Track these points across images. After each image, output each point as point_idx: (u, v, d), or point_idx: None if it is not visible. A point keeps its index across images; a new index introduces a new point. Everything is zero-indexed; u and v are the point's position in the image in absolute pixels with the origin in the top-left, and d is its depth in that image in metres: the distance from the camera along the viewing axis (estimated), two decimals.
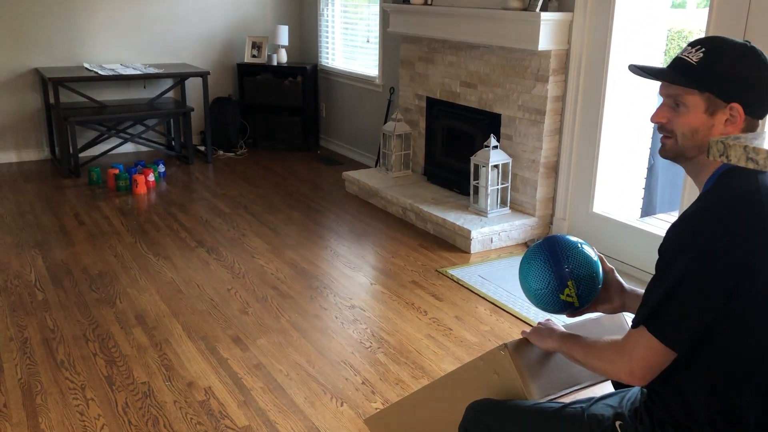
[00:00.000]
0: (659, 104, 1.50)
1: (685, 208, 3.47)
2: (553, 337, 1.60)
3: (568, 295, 1.59)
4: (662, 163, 4.73)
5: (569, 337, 1.57)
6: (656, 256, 1.41)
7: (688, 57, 1.43)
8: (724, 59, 1.39)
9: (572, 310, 1.68)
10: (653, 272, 1.40)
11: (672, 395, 1.42)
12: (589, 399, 1.61)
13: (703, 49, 1.41)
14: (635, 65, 1.52)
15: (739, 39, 1.44)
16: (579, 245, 1.62)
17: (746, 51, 1.39)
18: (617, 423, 1.50)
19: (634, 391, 1.60)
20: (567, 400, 1.69)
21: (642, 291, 1.49)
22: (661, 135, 1.50)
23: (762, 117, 1.42)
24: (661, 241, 1.41)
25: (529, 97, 4.15)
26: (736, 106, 1.38)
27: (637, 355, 1.37)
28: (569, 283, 1.58)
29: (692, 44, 1.45)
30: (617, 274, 1.72)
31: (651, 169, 4.63)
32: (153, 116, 5.97)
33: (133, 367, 2.82)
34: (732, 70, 1.38)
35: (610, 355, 1.44)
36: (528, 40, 3.93)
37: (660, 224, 3.84)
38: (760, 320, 1.33)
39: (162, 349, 2.96)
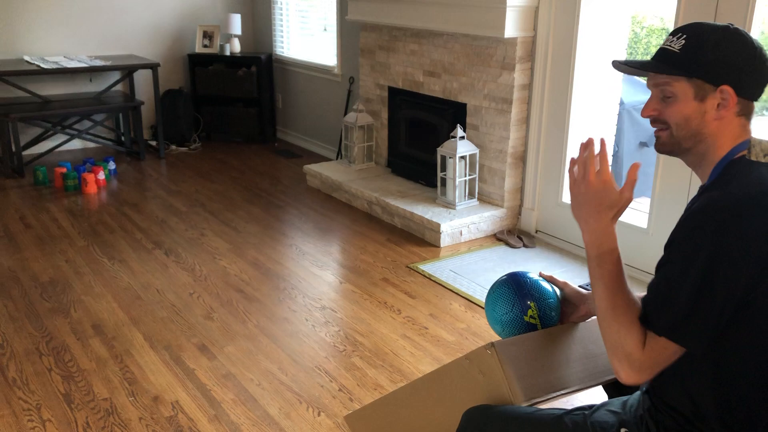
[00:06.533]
0: (649, 98, 1.47)
1: (656, 196, 3.44)
2: (605, 247, 1.38)
3: (531, 317, 1.68)
4: (627, 150, 4.72)
5: (618, 275, 1.37)
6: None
7: (670, 46, 1.40)
8: (707, 43, 1.36)
9: None
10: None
11: (677, 396, 1.38)
12: (591, 406, 1.57)
13: (685, 36, 1.39)
14: (618, 61, 1.49)
15: (719, 23, 1.41)
16: (537, 279, 1.76)
17: (728, 33, 1.37)
18: (622, 430, 1.46)
19: (635, 397, 1.56)
20: (554, 404, 1.63)
21: None
22: (655, 129, 1.46)
23: (754, 98, 1.38)
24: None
25: (495, 86, 4.06)
26: (727, 88, 1.35)
27: (650, 353, 1.31)
28: (531, 304, 1.68)
29: (673, 33, 1.42)
30: (572, 285, 1.73)
31: (615, 156, 4.62)
32: (101, 111, 5.69)
33: (92, 383, 2.63)
34: (717, 52, 1.35)
35: (624, 335, 1.33)
36: (493, 27, 3.83)
37: (628, 212, 3.79)
38: None
39: (123, 362, 2.78)
